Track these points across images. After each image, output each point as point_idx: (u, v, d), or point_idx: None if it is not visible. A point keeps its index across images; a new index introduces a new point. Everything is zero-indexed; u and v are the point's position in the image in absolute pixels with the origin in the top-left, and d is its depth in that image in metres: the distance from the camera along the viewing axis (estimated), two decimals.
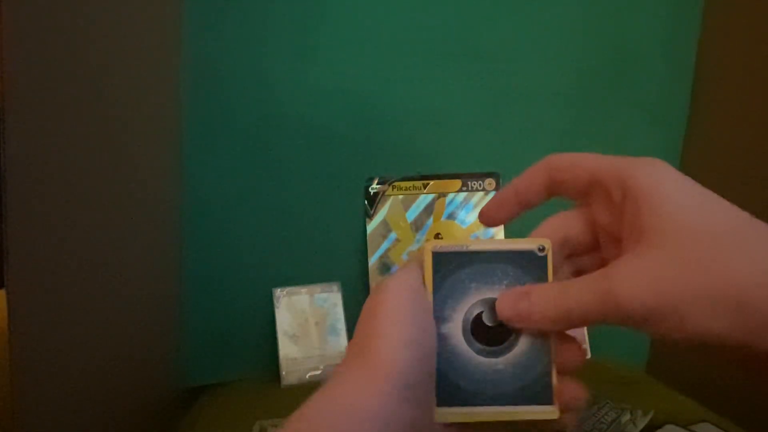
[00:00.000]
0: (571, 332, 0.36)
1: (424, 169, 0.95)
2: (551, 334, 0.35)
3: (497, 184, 0.94)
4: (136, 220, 0.74)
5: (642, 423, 0.68)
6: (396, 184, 0.95)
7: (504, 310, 0.34)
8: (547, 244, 0.36)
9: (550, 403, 0.34)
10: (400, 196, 0.94)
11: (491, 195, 0.94)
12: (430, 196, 0.95)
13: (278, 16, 0.88)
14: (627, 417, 0.68)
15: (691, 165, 1.04)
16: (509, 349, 0.35)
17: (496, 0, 0.95)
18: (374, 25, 0.91)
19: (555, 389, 0.35)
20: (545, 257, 0.36)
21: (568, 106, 0.99)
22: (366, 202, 0.94)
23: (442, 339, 0.35)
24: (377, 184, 0.94)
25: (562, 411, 0.35)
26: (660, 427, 0.68)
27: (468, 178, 0.95)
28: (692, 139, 1.03)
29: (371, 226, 0.93)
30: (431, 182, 0.95)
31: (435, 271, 0.36)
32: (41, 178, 0.62)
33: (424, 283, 0.36)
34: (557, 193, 0.36)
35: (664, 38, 1.01)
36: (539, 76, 0.97)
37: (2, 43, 0.55)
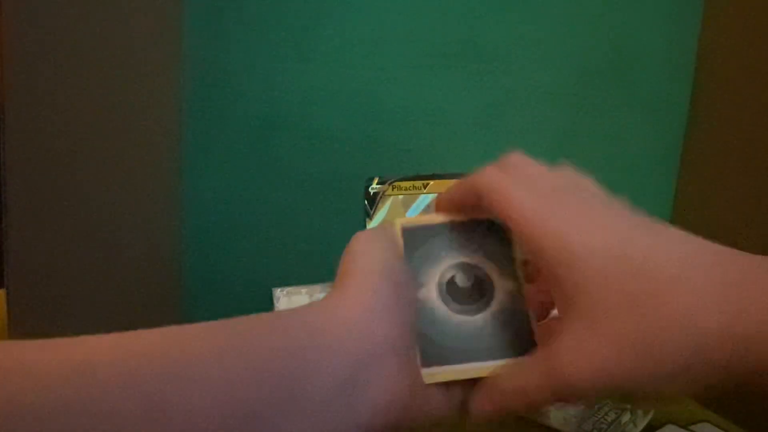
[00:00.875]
0: None
1: (424, 169, 0.95)
2: (524, 286, 0.36)
3: None
4: (135, 221, 0.74)
5: (642, 423, 0.68)
6: (396, 184, 0.95)
7: (484, 407, 0.35)
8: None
9: (533, 349, 0.35)
10: (400, 196, 0.94)
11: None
12: (430, 196, 0.95)
13: (278, 16, 0.88)
14: (627, 417, 0.68)
15: (691, 165, 1.04)
16: (486, 305, 0.36)
17: (496, 0, 0.95)
18: (374, 25, 0.91)
19: (537, 337, 0.35)
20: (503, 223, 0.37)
21: (568, 106, 0.99)
22: (366, 202, 0.94)
23: (420, 304, 0.36)
24: (377, 184, 0.94)
25: None
26: (660, 427, 0.68)
27: None
28: (692, 139, 1.03)
29: (371, 226, 0.93)
30: (431, 182, 0.94)
31: (406, 245, 0.37)
32: (41, 178, 0.62)
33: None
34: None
35: (664, 38, 1.01)
36: (539, 76, 0.97)
37: (2, 43, 0.55)
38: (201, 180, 0.88)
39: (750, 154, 0.92)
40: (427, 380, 0.34)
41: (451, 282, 0.36)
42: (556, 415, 0.67)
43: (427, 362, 0.34)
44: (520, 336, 0.35)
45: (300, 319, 0.31)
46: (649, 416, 0.69)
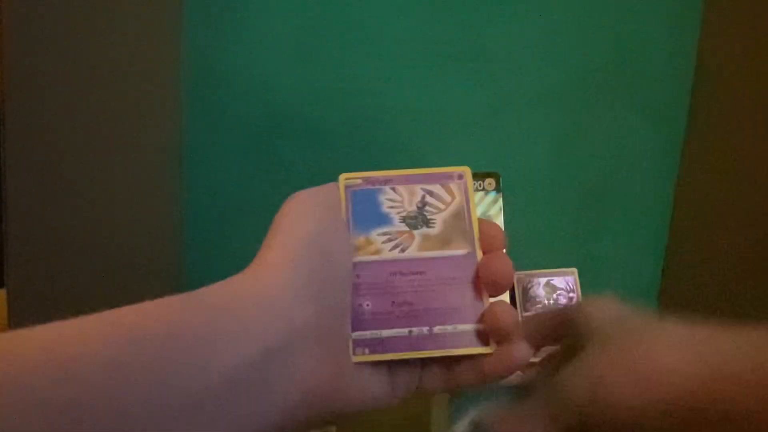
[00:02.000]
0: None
1: None
2: (479, 251, 0.33)
3: (497, 184, 0.94)
4: (135, 221, 0.74)
5: None
6: None
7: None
8: (466, 171, 0.35)
9: (483, 341, 0.31)
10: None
11: (491, 195, 0.94)
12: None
13: (278, 17, 0.88)
14: None
15: (691, 165, 1.04)
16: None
17: (496, 1, 0.95)
18: (374, 25, 0.91)
19: (485, 315, 0.32)
20: (463, 182, 0.35)
21: (568, 106, 0.99)
22: None
23: (356, 271, 0.32)
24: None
25: (497, 343, 0.31)
26: None
27: None
28: (692, 139, 1.03)
29: None
30: None
31: (349, 204, 0.34)
32: (41, 178, 0.62)
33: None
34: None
35: (664, 38, 1.01)
36: (539, 77, 0.97)
37: (2, 43, 0.55)
38: (201, 180, 0.88)
39: (749, 154, 0.92)
40: (357, 360, 0.30)
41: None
42: None
43: (360, 347, 0.30)
44: (464, 310, 0.32)
45: (208, 298, 0.28)
46: None
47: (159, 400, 0.24)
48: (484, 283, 0.32)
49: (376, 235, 0.33)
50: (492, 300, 0.32)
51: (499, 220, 0.95)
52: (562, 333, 0.36)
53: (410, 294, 0.32)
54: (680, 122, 1.04)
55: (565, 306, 0.38)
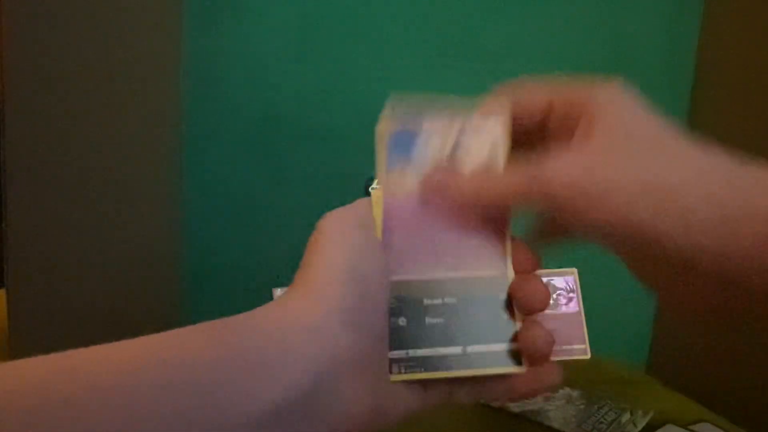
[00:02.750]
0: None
1: None
2: (511, 275, 0.33)
3: None
4: (135, 221, 0.74)
5: (642, 423, 0.68)
6: None
7: (427, 182, 0.34)
8: (502, 113, 0.36)
9: (515, 361, 0.32)
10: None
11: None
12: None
13: (278, 16, 0.88)
14: (627, 417, 0.68)
15: None
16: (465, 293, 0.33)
17: (497, 1, 0.95)
18: (374, 25, 0.91)
19: (520, 337, 0.32)
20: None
21: None
22: None
23: (393, 293, 0.33)
24: (377, 184, 0.94)
25: (530, 364, 0.32)
26: (660, 427, 0.68)
27: None
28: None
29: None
30: None
31: (385, 224, 0.34)
32: (41, 178, 0.62)
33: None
34: (516, 119, 0.36)
35: (664, 38, 1.01)
36: (539, 76, 0.97)
37: (2, 43, 0.55)
38: (201, 179, 0.88)
39: (749, 153, 0.92)
40: (395, 379, 0.31)
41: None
42: (555, 415, 0.67)
43: (397, 365, 0.31)
44: (497, 331, 0.32)
45: (253, 324, 0.28)
46: (649, 416, 0.69)
47: (209, 427, 0.24)
48: (517, 305, 0.33)
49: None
50: (528, 320, 0.33)
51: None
52: (559, 110, 0.33)
53: (444, 313, 0.33)
54: (680, 121, 1.03)
55: (569, 83, 0.34)
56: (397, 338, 0.32)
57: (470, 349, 0.32)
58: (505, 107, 0.36)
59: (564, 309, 0.98)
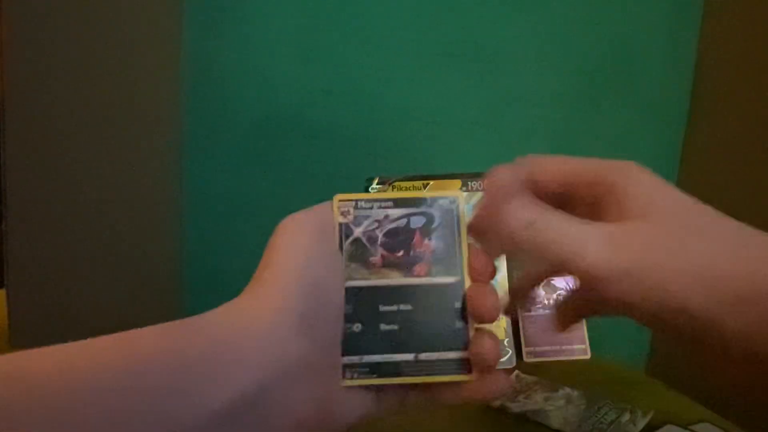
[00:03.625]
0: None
1: (424, 169, 0.95)
2: (467, 280, 0.33)
3: None
4: (135, 221, 0.74)
5: (642, 423, 0.68)
6: (396, 184, 0.95)
7: (478, 216, 0.33)
8: (459, 196, 0.36)
9: (466, 369, 0.33)
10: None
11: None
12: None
13: (278, 16, 0.88)
14: (627, 417, 0.68)
15: (691, 165, 1.04)
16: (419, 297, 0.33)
17: (496, 0, 0.95)
18: (374, 25, 0.91)
19: (470, 343, 0.33)
20: (456, 209, 0.35)
21: (568, 106, 0.99)
22: None
23: (347, 297, 0.33)
24: (377, 184, 0.94)
25: (479, 372, 0.33)
26: (660, 427, 0.68)
27: (468, 178, 0.95)
28: (692, 139, 1.03)
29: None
30: (431, 182, 0.94)
31: (341, 228, 0.35)
32: (41, 178, 0.62)
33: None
34: (538, 193, 0.35)
35: (664, 38, 1.01)
36: (539, 77, 0.97)
37: (2, 43, 0.55)
38: (201, 180, 0.88)
39: (750, 153, 0.92)
40: (347, 384, 0.32)
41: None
42: (556, 416, 0.67)
43: (349, 370, 0.32)
44: (449, 339, 0.33)
45: (203, 330, 0.28)
46: (649, 416, 0.69)
47: (155, 427, 0.24)
48: (470, 314, 0.33)
49: (364, 260, 0.34)
50: (478, 328, 0.33)
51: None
52: (579, 188, 0.33)
53: (398, 320, 0.33)
54: (680, 122, 1.04)
55: (583, 161, 0.33)
56: (350, 344, 0.32)
57: (422, 356, 0.33)
58: (459, 194, 0.36)
59: None
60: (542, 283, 0.34)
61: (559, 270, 0.31)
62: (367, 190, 0.94)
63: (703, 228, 0.29)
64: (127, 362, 0.25)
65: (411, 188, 0.95)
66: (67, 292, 0.64)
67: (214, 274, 0.90)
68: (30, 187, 0.61)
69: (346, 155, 0.92)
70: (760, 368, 0.27)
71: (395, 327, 0.33)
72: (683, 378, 0.88)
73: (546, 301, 0.99)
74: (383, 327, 0.33)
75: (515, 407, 0.68)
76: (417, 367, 0.33)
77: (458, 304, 0.33)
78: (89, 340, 0.25)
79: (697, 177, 1.03)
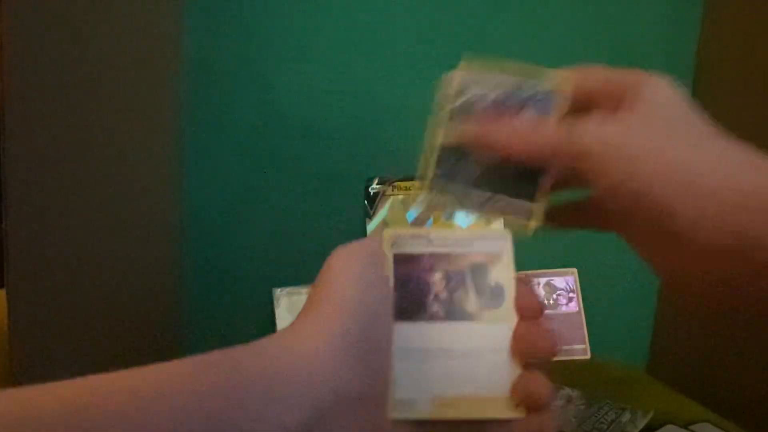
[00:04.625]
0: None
1: None
2: (515, 323, 0.33)
3: None
4: (135, 221, 0.74)
5: (642, 423, 0.68)
6: (396, 184, 0.95)
7: (476, 128, 0.36)
8: (508, 235, 0.36)
9: (514, 407, 0.33)
10: (400, 196, 0.94)
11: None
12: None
13: (278, 16, 0.88)
14: (627, 417, 0.68)
15: None
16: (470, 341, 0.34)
17: (497, 0, 0.95)
18: (374, 25, 0.91)
19: (513, 384, 0.33)
20: (506, 245, 0.36)
21: None
22: (366, 202, 0.94)
23: (399, 334, 0.33)
24: (377, 184, 0.94)
25: (528, 411, 0.33)
26: (660, 427, 0.68)
27: None
28: None
29: (371, 226, 0.93)
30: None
31: (394, 263, 0.34)
32: (41, 178, 0.62)
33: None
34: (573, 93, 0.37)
35: (664, 38, 1.01)
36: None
37: (2, 43, 0.55)
38: (201, 180, 0.88)
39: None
40: (394, 416, 0.31)
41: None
42: (555, 416, 0.67)
43: (398, 404, 0.32)
44: (497, 377, 0.33)
45: (257, 358, 0.28)
46: (649, 416, 0.69)
47: None
48: (519, 353, 0.33)
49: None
50: (529, 366, 0.33)
51: (499, 221, 0.96)
52: (611, 87, 0.35)
53: (446, 358, 0.33)
54: None
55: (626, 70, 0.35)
56: (400, 378, 0.32)
57: (472, 391, 0.33)
58: (508, 234, 0.37)
59: (564, 309, 0.99)
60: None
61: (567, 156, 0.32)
62: (367, 190, 0.94)
63: (689, 135, 0.31)
64: (184, 392, 0.25)
65: (411, 188, 0.95)
66: (67, 292, 0.64)
67: (214, 275, 0.90)
68: (30, 187, 0.61)
69: (346, 155, 0.92)
70: (713, 265, 0.29)
71: (444, 363, 0.33)
72: (683, 378, 0.88)
73: (546, 301, 0.99)
74: (432, 363, 0.33)
75: None
76: (466, 404, 0.33)
77: (506, 341, 0.34)
78: (142, 369, 0.26)
79: None
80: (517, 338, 0.33)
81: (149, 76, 0.74)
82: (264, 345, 0.29)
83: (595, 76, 0.36)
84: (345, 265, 0.32)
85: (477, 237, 0.36)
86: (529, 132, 0.34)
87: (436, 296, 0.34)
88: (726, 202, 0.28)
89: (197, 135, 0.87)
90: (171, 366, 0.26)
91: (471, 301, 0.34)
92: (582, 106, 0.36)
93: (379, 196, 0.94)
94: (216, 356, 0.27)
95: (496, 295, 0.35)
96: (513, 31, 0.96)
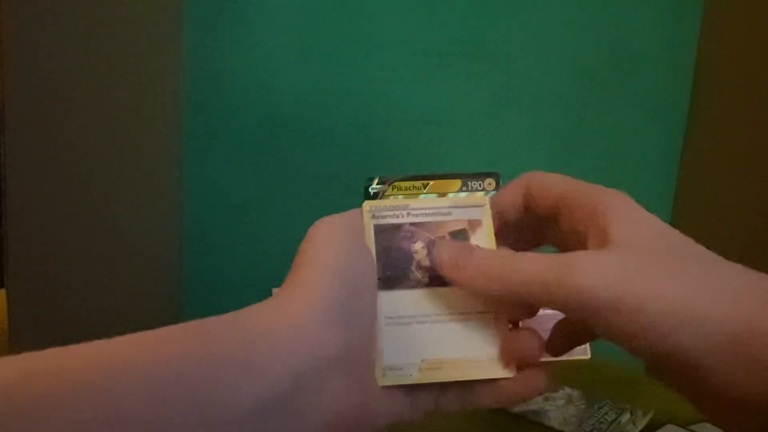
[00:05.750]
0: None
1: (424, 169, 0.95)
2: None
3: (497, 184, 0.94)
4: (135, 221, 0.74)
5: (642, 423, 0.68)
6: (396, 184, 0.94)
7: (441, 254, 0.33)
8: (487, 202, 0.36)
9: (503, 366, 0.32)
10: (400, 196, 0.94)
11: (491, 195, 0.94)
12: (430, 196, 0.95)
13: (278, 16, 0.88)
14: (627, 417, 0.68)
15: (691, 165, 1.04)
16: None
17: (497, 0, 0.95)
18: (374, 25, 0.91)
19: (503, 346, 0.32)
20: (486, 212, 0.36)
21: (568, 106, 0.99)
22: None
23: (382, 300, 0.33)
24: (377, 184, 0.94)
25: (518, 369, 0.32)
26: (660, 427, 0.68)
27: (468, 178, 0.95)
28: (692, 138, 1.03)
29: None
30: (431, 182, 0.94)
31: (375, 232, 0.35)
32: (41, 178, 0.62)
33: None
34: (530, 210, 0.35)
35: (664, 38, 1.01)
36: (539, 77, 0.97)
37: (2, 43, 0.55)
38: (201, 180, 0.88)
39: (750, 154, 0.92)
40: (382, 383, 0.31)
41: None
42: (556, 416, 0.67)
43: (384, 370, 0.31)
44: (484, 338, 0.33)
45: (237, 323, 0.28)
46: (649, 416, 0.69)
47: (192, 425, 0.23)
48: (505, 311, 0.32)
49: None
50: (516, 325, 0.33)
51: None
52: (570, 207, 0.32)
53: (432, 322, 0.33)
54: (680, 121, 1.04)
55: (584, 184, 0.32)
56: (387, 345, 0.32)
57: (459, 354, 0.32)
58: (486, 201, 0.37)
59: None
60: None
61: (543, 300, 0.29)
62: (367, 190, 0.94)
63: (692, 266, 0.27)
64: (167, 357, 0.24)
65: (411, 188, 0.95)
66: (67, 292, 0.64)
67: (214, 274, 0.90)
68: (30, 187, 0.61)
69: (346, 155, 0.92)
70: (751, 413, 0.26)
71: (430, 326, 0.33)
72: None
73: None
74: (418, 326, 0.33)
75: (515, 407, 0.68)
76: (453, 366, 0.32)
77: (493, 304, 0.33)
78: (123, 337, 0.25)
79: (697, 177, 1.03)
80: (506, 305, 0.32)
81: (149, 76, 0.74)
82: (244, 314, 0.28)
83: (551, 186, 0.33)
84: (327, 235, 0.31)
85: (456, 205, 0.37)
86: (508, 261, 0.30)
87: (419, 264, 0.34)
88: (754, 347, 0.25)
89: (197, 135, 0.87)
90: (142, 335, 0.25)
91: None
92: (541, 223, 0.34)
93: (379, 196, 0.94)
94: (193, 327, 0.27)
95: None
96: (513, 31, 0.96)
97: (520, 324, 0.34)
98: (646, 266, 0.27)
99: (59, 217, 0.64)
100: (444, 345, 0.32)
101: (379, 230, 0.35)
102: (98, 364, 0.23)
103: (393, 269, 0.34)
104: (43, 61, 0.60)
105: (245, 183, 0.90)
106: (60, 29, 0.62)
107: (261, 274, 0.91)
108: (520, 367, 0.32)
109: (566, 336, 0.35)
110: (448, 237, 0.35)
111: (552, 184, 0.34)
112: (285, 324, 0.27)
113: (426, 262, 0.34)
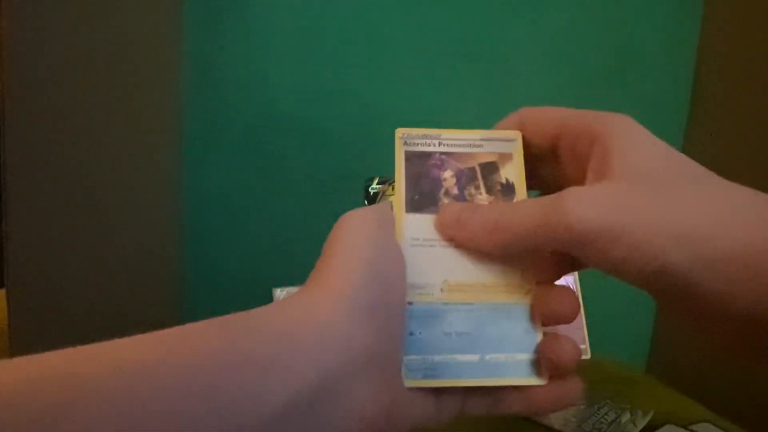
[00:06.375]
0: (569, 332, 0.34)
1: None
2: (534, 287, 0.32)
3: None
4: (136, 221, 0.74)
5: (642, 423, 0.68)
6: (396, 184, 0.95)
7: (444, 215, 0.33)
8: (519, 137, 0.35)
9: (536, 372, 0.31)
10: None
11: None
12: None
13: (278, 16, 0.88)
14: (627, 417, 0.68)
15: None
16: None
17: (497, 0, 0.95)
18: (374, 25, 0.91)
19: (540, 347, 0.31)
20: (517, 146, 0.35)
21: (568, 106, 0.99)
22: (366, 202, 0.94)
23: (411, 297, 0.32)
24: (377, 184, 0.94)
25: (551, 377, 0.31)
26: (660, 427, 0.68)
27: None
28: (692, 138, 1.03)
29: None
30: None
31: (405, 226, 0.33)
32: (41, 178, 0.62)
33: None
34: (528, 142, 0.35)
35: (664, 38, 1.01)
36: (539, 76, 0.97)
37: (2, 43, 0.55)
38: (201, 180, 0.88)
39: (750, 153, 0.92)
40: (409, 384, 0.30)
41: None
42: (556, 416, 0.67)
43: (411, 370, 0.30)
44: (521, 340, 0.31)
45: (263, 321, 0.27)
46: (649, 416, 0.69)
47: (214, 423, 0.22)
48: (541, 314, 0.32)
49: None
50: (553, 329, 0.32)
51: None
52: (569, 138, 0.32)
53: (463, 320, 0.32)
54: (681, 120, 1.04)
55: (577, 112, 0.32)
56: (413, 342, 0.31)
57: (489, 357, 0.31)
58: (519, 135, 0.35)
59: None
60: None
61: (544, 237, 0.29)
62: (367, 190, 0.93)
63: (688, 190, 0.27)
64: (189, 358, 0.23)
65: None
66: (67, 292, 0.64)
67: (214, 274, 0.90)
68: (30, 187, 0.61)
69: (345, 155, 0.92)
70: (751, 329, 0.26)
71: (460, 326, 0.31)
72: (683, 378, 0.88)
73: None
74: (446, 327, 0.31)
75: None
76: (483, 369, 0.31)
77: (528, 303, 0.32)
78: (143, 336, 0.24)
79: None
80: (541, 298, 0.32)
81: (149, 76, 0.74)
82: (268, 313, 0.27)
83: (548, 121, 0.33)
84: (356, 228, 0.30)
85: (487, 138, 0.36)
86: (503, 212, 0.30)
87: (447, 191, 0.34)
88: (751, 267, 0.25)
89: (197, 135, 0.87)
90: (154, 335, 0.24)
91: (482, 197, 0.34)
92: (541, 158, 0.34)
93: (379, 196, 0.94)
94: (215, 324, 0.26)
95: (507, 191, 0.34)
96: (513, 31, 0.96)
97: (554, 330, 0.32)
98: (639, 195, 0.27)
99: (59, 217, 0.64)
100: (467, 269, 0.32)
101: (410, 156, 0.36)
102: (112, 367, 0.22)
103: (421, 193, 0.34)
104: (43, 61, 0.60)
105: (245, 183, 0.90)
106: (60, 30, 0.62)
107: (261, 275, 0.92)
108: (553, 375, 0.31)
109: (557, 263, 0.34)
110: (477, 168, 0.35)
111: (549, 117, 0.33)
112: (310, 323, 0.26)
113: (455, 191, 0.34)
